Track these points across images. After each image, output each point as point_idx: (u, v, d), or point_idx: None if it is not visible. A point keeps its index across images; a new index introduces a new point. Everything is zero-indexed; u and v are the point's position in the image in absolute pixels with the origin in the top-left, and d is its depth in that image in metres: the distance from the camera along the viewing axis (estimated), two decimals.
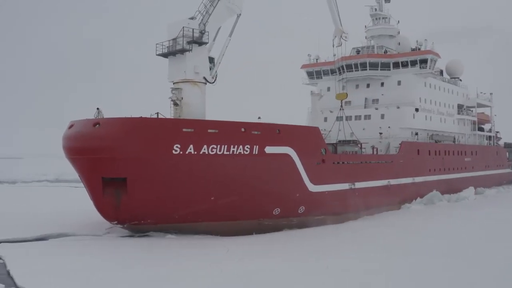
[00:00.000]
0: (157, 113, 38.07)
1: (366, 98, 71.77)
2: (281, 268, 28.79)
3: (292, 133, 44.41)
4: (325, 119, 73.74)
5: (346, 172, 50.74)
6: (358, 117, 70.26)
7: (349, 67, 70.89)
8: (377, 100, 70.83)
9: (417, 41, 71.65)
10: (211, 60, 42.76)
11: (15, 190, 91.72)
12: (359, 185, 52.27)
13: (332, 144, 52.13)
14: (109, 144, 36.27)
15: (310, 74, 77.31)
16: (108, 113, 38.68)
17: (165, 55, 41.78)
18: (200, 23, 41.57)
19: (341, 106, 57.68)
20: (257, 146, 40.98)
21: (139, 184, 37.29)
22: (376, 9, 76.00)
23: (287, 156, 43.39)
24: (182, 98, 40.60)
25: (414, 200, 64.36)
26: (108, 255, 32.15)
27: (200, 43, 40.81)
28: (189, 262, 30.37)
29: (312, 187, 45.96)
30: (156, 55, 41.86)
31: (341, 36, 57.62)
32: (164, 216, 39.30)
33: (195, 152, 37.76)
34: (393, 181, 58.64)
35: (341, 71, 71.98)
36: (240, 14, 43.89)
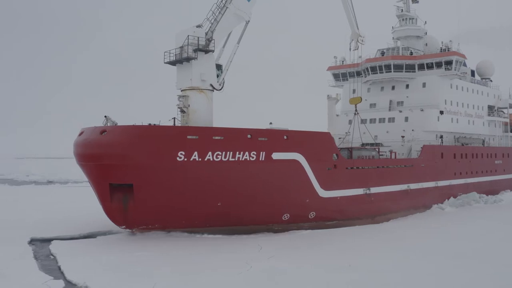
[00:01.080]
0: (160, 120, 38.97)
1: (391, 101, 70.94)
2: (306, 266, 30.74)
3: (301, 139, 44.52)
4: (350, 122, 73.44)
5: (361, 177, 50.41)
6: (382, 120, 69.62)
7: (373, 69, 70.29)
8: (402, 102, 69.92)
9: (442, 42, 70.21)
10: (219, 67, 43.33)
11: (66, 190, 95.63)
12: (375, 190, 51.83)
13: (347, 148, 51.83)
14: (115, 151, 37.37)
15: (336, 76, 77.06)
16: (122, 120, 40.04)
17: (172, 63, 42.65)
18: (208, 30, 42.18)
19: (355, 110, 57.19)
20: (264, 153, 41.35)
21: (145, 190, 38.29)
22: (402, 10, 74.91)
23: (295, 162, 43.57)
24: (189, 106, 41.33)
25: (446, 200, 64.58)
26: (146, 251, 34.72)
27: (207, 51, 41.42)
28: (221, 258, 32.76)
29: (322, 193, 45.97)
30: (164, 63, 42.83)
31: (357, 40, 57.07)
32: (171, 221, 40.22)
33: (200, 159, 38.46)
34: (413, 185, 57.77)
35: (366, 73, 71.51)
36: (248, 21, 44.28)
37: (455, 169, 66.75)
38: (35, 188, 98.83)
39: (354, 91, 75.65)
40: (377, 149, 55.36)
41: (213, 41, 41.52)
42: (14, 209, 58.48)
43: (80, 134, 40.32)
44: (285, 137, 43.12)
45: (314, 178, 45.10)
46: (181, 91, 42.26)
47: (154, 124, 39.45)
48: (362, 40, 56.92)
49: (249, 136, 40.78)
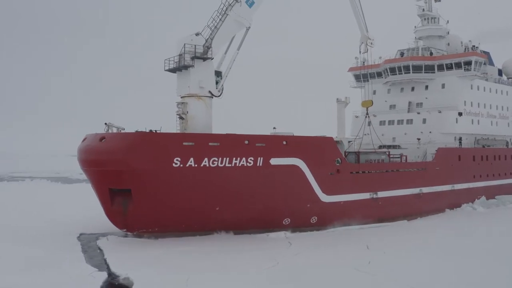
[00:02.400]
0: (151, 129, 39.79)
1: (410, 102, 70.01)
2: (329, 263, 33.72)
3: (301, 144, 44.73)
4: (369, 123, 72.88)
5: (367, 181, 50.15)
6: (400, 122, 68.89)
7: (392, 70, 69.61)
8: (421, 103, 68.90)
9: (461, 42, 68.75)
10: (219, 73, 43.96)
11: None
12: (383, 194, 51.46)
13: (355, 152, 51.64)
14: (113, 157, 38.58)
15: (357, 77, 76.54)
16: (129, 126, 41.26)
17: (172, 71, 43.59)
18: (208, 38, 42.88)
19: (367, 113, 56.81)
20: (262, 158, 41.80)
21: (143, 195, 39.38)
22: (424, 9, 73.64)
23: (295, 167, 43.84)
24: (187, 112, 42.19)
25: (477, 200, 65.02)
26: (185, 247, 37.93)
27: (205, 59, 42.13)
28: (250, 255, 35.61)
29: (324, 198, 46.05)
30: (164, 70, 43.82)
31: (366, 43, 56.60)
32: (170, 225, 41.22)
33: (196, 165, 39.28)
34: (426, 189, 56.96)
35: (386, 74, 70.83)
36: (249, 27, 44.75)
37: (474, 171, 65.32)
38: (86, 186, 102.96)
39: (374, 92, 75.15)
40: (387, 153, 54.75)
41: (211, 49, 42.16)
42: (66, 206, 62.01)
43: (83, 140, 41.84)
44: (284, 142, 43.43)
45: (316, 183, 45.22)
46: (181, 98, 43.15)
47: (156, 131, 40.51)
48: (371, 43, 56.41)
49: (246, 142, 41.31)
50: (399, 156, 56.18)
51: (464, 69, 65.57)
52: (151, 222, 40.93)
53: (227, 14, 43.32)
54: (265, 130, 48.41)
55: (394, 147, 65.90)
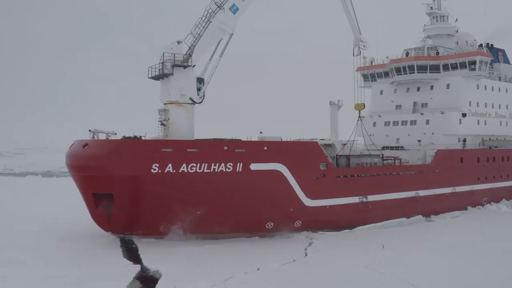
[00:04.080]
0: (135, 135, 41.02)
1: (415, 102, 69.21)
2: (342, 261, 36.62)
3: (283, 149, 45.13)
4: (374, 124, 72.51)
5: (355, 185, 50.06)
6: (404, 122, 68.28)
7: (398, 70, 68.94)
8: (426, 104, 68.02)
9: (467, 42, 67.44)
10: (201, 80, 44.69)
11: None
12: (373, 198, 51.28)
13: (345, 156, 51.63)
14: (95, 163, 40.08)
15: (365, 77, 76.09)
16: (122, 132, 42.89)
17: (156, 78, 44.59)
18: (191, 45, 43.66)
19: (359, 116, 56.46)
20: (241, 164, 42.44)
21: (124, 199, 40.76)
22: (432, 7, 72.46)
23: (276, 172, 44.28)
24: (168, 119, 43.18)
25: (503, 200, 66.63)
26: (216, 244, 41.56)
27: (185, 66, 42.94)
28: (270, 253, 39.18)
29: (308, 202, 46.34)
30: (148, 78, 44.87)
31: (359, 45, 56.18)
32: (153, 228, 42.46)
33: (174, 171, 40.33)
34: (423, 192, 56.40)
35: (392, 74, 70.21)
36: (232, 34, 45.28)
37: (479, 173, 64.15)
38: None
39: (381, 92, 74.68)
40: (381, 156, 54.43)
41: (192, 56, 42.90)
42: None
43: (70, 146, 43.46)
44: (265, 148, 43.93)
45: (299, 188, 45.56)
46: (164, 104, 44.17)
47: (140, 137, 41.82)
48: (364, 46, 55.95)
49: (225, 148, 42.06)
50: (392, 158, 55.62)
51: (469, 69, 64.34)
52: (134, 225, 42.29)
53: (210, 22, 43.95)
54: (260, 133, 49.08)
55: (397, 148, 65.40)
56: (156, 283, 30.79)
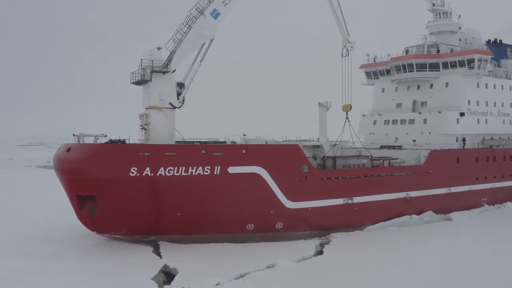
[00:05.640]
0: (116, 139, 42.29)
1: (414, 101, 68.64)
2: (352, 259, 40.08)
3: (262, 152, 45.71)
4: (374, 122, 72.23)
5: (340, 187, 50.23)
6: (403, 121, 67.86)
7: (397, 68, 68.44)
8: (426, 103, 67.37)
9: (465, 40, 66.37)
10: (181, 85, 45.51)
11: None
12: (360, 199, 51.38)
13: (332, 157, 51.83)
14: (77, 166, 41.57)
15: (368, 75, 75.80)
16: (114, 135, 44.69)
17: (137, 83, 45.66)
18: (172, 51, 44.51)
19: (346, 117, 56.27)
20: (219, 167, 43.29)
21: (106, 200, 42.16)
22: (434, 4, 71.41)
23: (255, 175, 44.92)
24: (149, 123, 44.27)
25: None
26: (226, 246, 43.85)
27: (164, 72, 43.87)
28: (285, 250, 42.57)
29: (289, 204, 46.86)
30: (130, 83, 45.97)
31: (347, 47, 55.89)
32: (136, 228, 43.82)
33: (152, 174, 41.49)
34: (415, 193, 56.08)
35: (393, 72, 69.76)
36: (213, 39, 45.91)
37: (477, 173, 63.28)
38: None
39: (383, 90, 74.25)
40: (369, 157, 54.33)
41: (171, 62, 43.76)
42: None
43: (57, 149, 45.06)
44: (244, 151, 44.62)
45: (279, 190, 46.11)
46: (145, 109, 45.25)
47: (124, 140, 43.21)
48: (351, 47, 55.66)
49: (203, 151, 42.95)
50: (381, 159, 55.40)
51: (468, 67, 63.44)
52: (117, 225, 43.70)
53: (191, 27, 44.71)
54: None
55: (395, 147, 65.04)
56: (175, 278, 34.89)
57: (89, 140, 44.42)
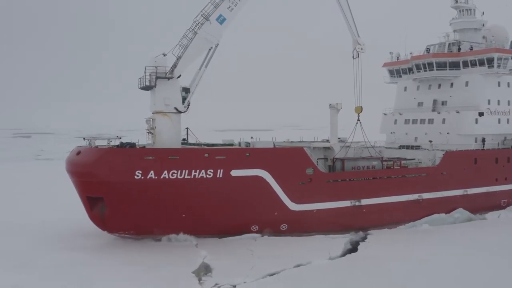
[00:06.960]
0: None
1: (435, 100, 67.62)
2: (385, 255, 41.70)
3: (266, 155, 46.50)
4: (395, 122, 71.68)
5: (346, 189, 50.47)
6: (422, 121, 67.08)
7: (418, 67, 67.63)
8: (446, 102, 66.33)
9: (492, 37, 64.81)
10: (187, 90, 46.72)
11: None
12: (368, 201, 51.46)
13: (341, 159, 52.06)
14: (85, 170, 43.61)
15: (391, 73, 75.03)
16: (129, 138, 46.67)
17: (145, 89, 47.16)
18: (178, 56, 45.75)
19: (358, 119, 56.08)
20: (222, 170, 44.43)
21: (114, 202, 44.05)
22: (457, 1, 70.01)
23: (259, 178, 45.82)
24: (155, 128, 45.77)
25: None
26: (257, 246, 44.75)
27: (169, 78, 45.19)
28: (321, 247, 44.31)
29: (294, 206, 47.55)
30: (138, 88, 47.53)
31: (357, 48, 55.51)
32: (143, 229, 45.55)
33: (156, 177, 43.07)
34: (428, 195, 55.59)
35: (415, 70, 68.98)
36: (218, 44, 46.87)
37: (496, 175, 61.99)
38: None
39: (405, 88, 73.46)
40: (380, 158, 54.19)
41: (176, 68, 45.01)
42: None
43: (70, 152, 47.26)
44: (247, 154, 45.57)
45: (282, 193, 46.86)
46: (152, 114, 46.77)
47: (134, 144, 45.10)
48: (361, 48, 55.32)
49: (206, 155, 44.19)
50: (391, 161, 55.13)
51: (488, 66, 62.06)
52: (126, 225, 45.54)
53: (197, 33, 45.80)
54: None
55: (413, 148, 64.50)
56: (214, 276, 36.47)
57: (102, 143, 46.61)
